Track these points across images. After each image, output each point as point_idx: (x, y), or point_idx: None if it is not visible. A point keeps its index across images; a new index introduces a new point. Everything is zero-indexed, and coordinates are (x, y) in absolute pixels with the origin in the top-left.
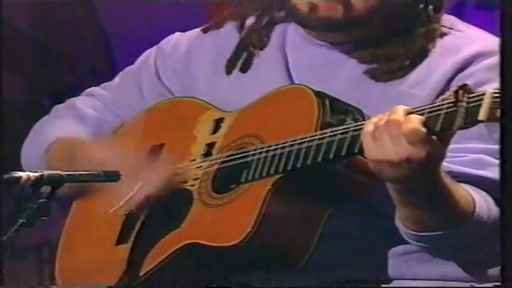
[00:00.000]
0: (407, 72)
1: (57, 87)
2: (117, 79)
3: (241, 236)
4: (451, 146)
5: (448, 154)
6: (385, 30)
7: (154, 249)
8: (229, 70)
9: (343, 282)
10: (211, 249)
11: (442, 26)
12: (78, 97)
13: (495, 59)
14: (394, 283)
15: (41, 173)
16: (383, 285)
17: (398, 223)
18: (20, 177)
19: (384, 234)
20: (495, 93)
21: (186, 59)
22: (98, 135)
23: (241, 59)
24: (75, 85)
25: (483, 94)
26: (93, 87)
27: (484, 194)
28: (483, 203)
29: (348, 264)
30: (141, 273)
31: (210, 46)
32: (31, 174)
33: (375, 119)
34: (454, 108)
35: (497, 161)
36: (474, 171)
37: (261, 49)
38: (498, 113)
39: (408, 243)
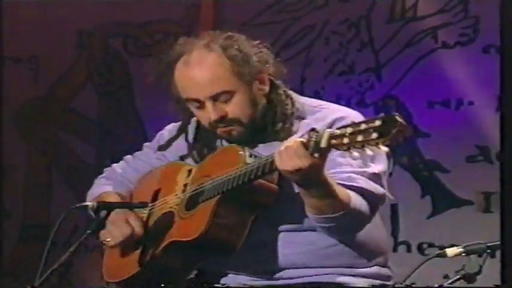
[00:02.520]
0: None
1: (114, 152)
2: (143, 149)
3: (198, 233)
4: (334, 170)
5: (332, 174)
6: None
7: (155, 247)
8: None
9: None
10: (184, 243)
11: (313, 106)
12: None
13: (347, 120)
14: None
15: (100, 202)
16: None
17: (308, 213)
18: (87, 205)
19: (296, 236)
20: (330, 133)
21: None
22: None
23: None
24: (124, 151)
25: (323, 132)
26: (128, 156)
27: (359, 196)
28: (358, 199)
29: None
30: (147, 260)
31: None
32: (95, 203)
33: (280, 148)
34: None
35: (362, 177)
36: (346, 183)
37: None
38: (333, 143)
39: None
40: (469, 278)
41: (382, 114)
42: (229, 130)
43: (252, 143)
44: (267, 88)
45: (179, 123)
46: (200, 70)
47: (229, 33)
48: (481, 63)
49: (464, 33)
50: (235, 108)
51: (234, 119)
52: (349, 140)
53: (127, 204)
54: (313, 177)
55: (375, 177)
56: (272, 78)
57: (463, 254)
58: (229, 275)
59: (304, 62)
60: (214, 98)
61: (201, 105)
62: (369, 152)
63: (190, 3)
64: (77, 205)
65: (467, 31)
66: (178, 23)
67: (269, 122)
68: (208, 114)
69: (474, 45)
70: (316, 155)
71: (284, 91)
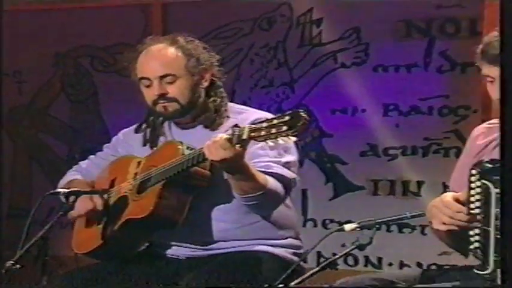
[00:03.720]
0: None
1: (82, 149)
2: (104, 149)
3: (148, 212)
4: (255, 160)
5: (253, 163)
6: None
7: (114, 224)
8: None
9: None
10: (137, 220)
11: (239, 109)
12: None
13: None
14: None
15: (70, 190)
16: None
17: (234, 193)
18: (59, 191)
19: (226, 215)
20: (250, 127)
21: (127, 141)
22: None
23: (149, 142)
24: (90, 148)
25: (244, 127)
26: (92, 155)
27: (275, 180)
28: (274, 182)
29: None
30: (108, 235)
31: (137, 138)
32: (66, 190)
33: (208, 142)
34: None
35: (277, 165)
36: (265, 170)
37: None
38: (252, 135)
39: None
40: (362, 247)
41: (290, 111)
42: (166, 106)
43: (182, 121)
44: (206, 84)
45: (131, 127)
46: (157, 56)
47: (190, 37)
48: (371, 79)
49: (358, 56)
50: (175, 89)
51: (173, 98)
52: (265, 133)
53: (90, 191)
54: (236, 165)
55: (288, 165)
56: (214, 79)
57: (358, 229)
58: (173, 247)
59: (235, 77)
60: (161, 78)
61: (149, 83)
62: (281, 141)
63: (143, 31)
64: (51, 191)
65: (360, 54)
66: (134, 46)
67: (203, 111)
68: (153, 91)
69: (366, 66)
70: (238, 146)
71: (221, 92)
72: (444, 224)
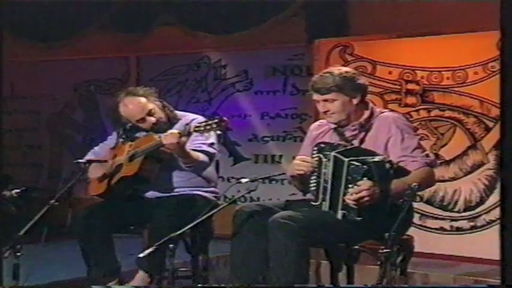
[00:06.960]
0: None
1: (91, 139)
2: (103, 145)
3: (134, 172)
4: (193, 142)
5: (193, 144)
6: None
7: (114, 179)
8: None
9: None
10: (127, 177)
11: (182, 115)
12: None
13: (198, 119)
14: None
15: (86, 160)
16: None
17: (180, 164)
18: (79, 162)
19: (179, 174)
20: (195, 125)
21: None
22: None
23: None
24: (95, 137)
25: (191, 125)
26: (100, 143)
27: (203, 154)
28: (203, 156)
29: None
30: (110, 185)
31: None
32: (84, 160)
33: (166, 133)
34: (184, 130)
35: (205, 145)
36: (198, 148)
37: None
38: (196, 129)
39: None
40: (250, 192)
41: (217, 117)
42: (153, 126)
43: (164, 130)
44: (159, 108)
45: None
46: (135, 106)
47: (143, 87)
48: (254, 99)
49: (246, 85)
50: (155, 117)
51: (157, 122)
52: (203, 128)
53: (96, 160)
54: (179, 149)
55: (211, 145)
56: (165, 103)
57: (248, 181)
58: (149, 192)
59: (178, 98)
60: (147, 114)
61: (143, 119)
62: (212, 133)
63: (125, 71)
64: (76, 161)
65: (248, 84)
66: (121, 79)
67: (165, 122)
68: (147, 122)
69: (251, 91)
70: (184, 138)
71: (168, 107)
72: (297, 170)
